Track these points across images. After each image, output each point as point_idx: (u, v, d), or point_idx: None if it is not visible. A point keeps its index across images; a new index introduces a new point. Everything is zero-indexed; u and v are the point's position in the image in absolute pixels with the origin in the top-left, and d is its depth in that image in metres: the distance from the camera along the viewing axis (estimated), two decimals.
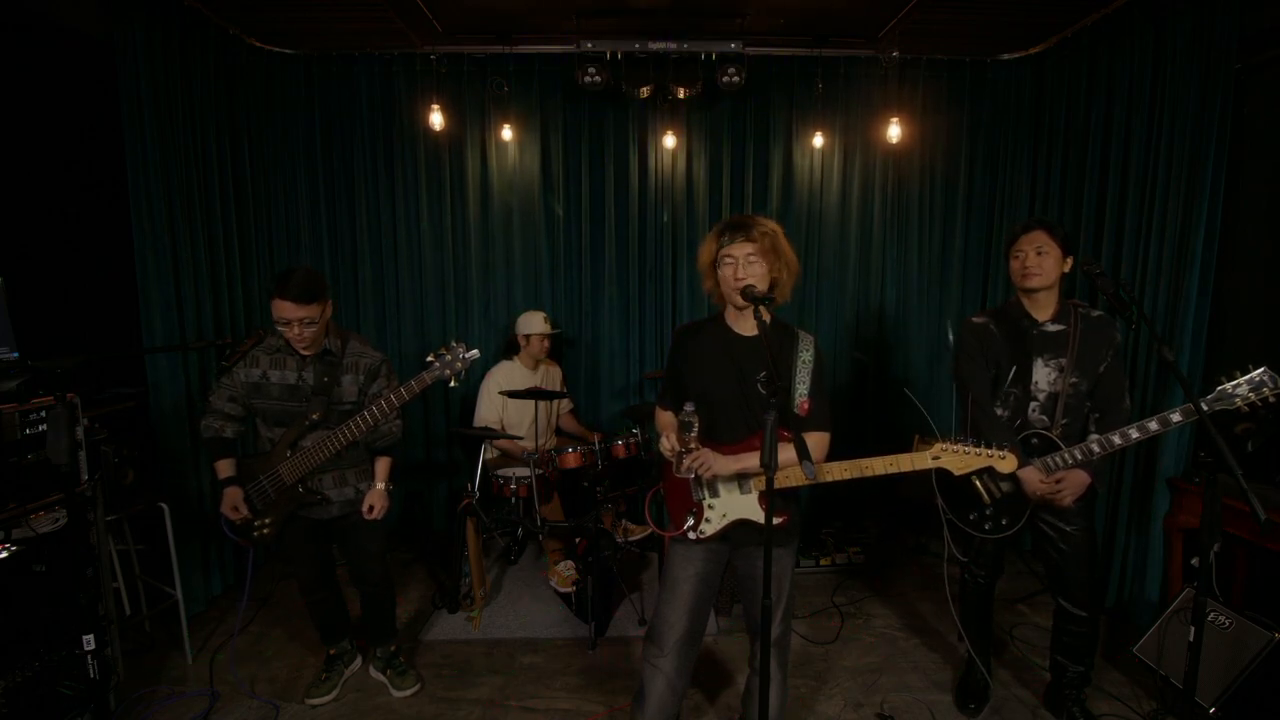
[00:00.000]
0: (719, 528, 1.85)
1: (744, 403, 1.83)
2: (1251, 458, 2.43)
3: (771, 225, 1.80)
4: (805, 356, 1.82)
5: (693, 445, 1.70)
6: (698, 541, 1.88)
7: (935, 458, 1.73)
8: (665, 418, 2.00)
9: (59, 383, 1.90)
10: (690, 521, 1.87)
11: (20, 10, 2.81)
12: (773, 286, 1.80)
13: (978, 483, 2.25)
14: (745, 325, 1.86)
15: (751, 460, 1.77)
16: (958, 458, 1.72)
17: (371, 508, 2.42)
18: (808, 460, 1.47)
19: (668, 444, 1.76)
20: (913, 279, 4.11)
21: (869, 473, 1.76)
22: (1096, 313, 2.21)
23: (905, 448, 1.79)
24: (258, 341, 2.32)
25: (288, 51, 3.78)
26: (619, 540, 3.37)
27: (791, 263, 1.82)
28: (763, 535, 1.77)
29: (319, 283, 2.21)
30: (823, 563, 3.66)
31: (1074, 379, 2.17)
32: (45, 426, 2.28)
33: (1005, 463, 1.72)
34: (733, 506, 1.85)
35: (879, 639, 3.02)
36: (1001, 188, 3.97)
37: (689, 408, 1.67)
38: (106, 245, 3.10)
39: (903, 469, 1.75)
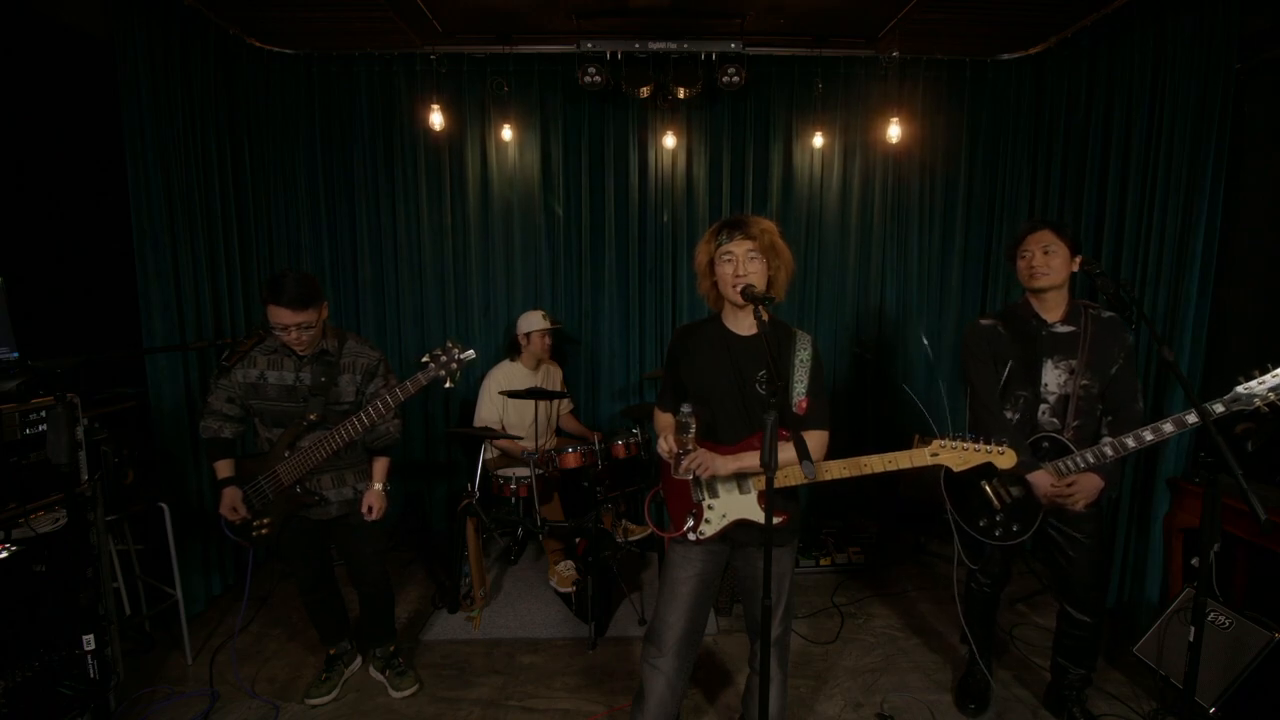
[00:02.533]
0: (719, 528, 1.86)
1: (743, 403, 1.83)
2: (1251, 458, 2.42)
3: (768, 223, 1.80)
4: (803, 356, 1.82)
5: (690, 446, 1.70)
6: (697, 542, 1.88)
7: (934, 454, 1.72)
8: (664, 419, 2.00)
9: (59, 383, 1.90)
10: (690, 523, 1.88)
11: (21, 10, 2.81)
12: (770, 285, 1.80)
13: (987, 488, 2.22)
14: (743, 325, 1.86)
15: (750, 460, 1.77)
16: (956, 454, 1.72)
17: (370, 509, 2.42)
18: (808, 460, 1.47)
19: (665, 445, 1.76)
20: (913, 279, 4.11)
21: (868, 470, 1.76)
22: (1108, 314, 2.18)
23: (905, 446, 1.79)
24: (258, 341, 2.32)
25: (288, 51, 3.78)
26: (619, 540, 3.37)
27: (788, 261, 1.82)
28: (763, 535, 1.77)
29: (313, 286, 2.19)
30: (823, 563, 3.66)
31: (1085, 381, 2.13)
32: (45, 426, 2.28)
33: (1004, 458, 1.71)
34: (732, 507, 1.85)
35: (879, 639, 3.02)
36: (1001, 188, 3.97)
37: (686, 408, 1.67)
38: (106, 245, 3.10)
39: (901, 466, 1.75)
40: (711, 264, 1.83)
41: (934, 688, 2.65)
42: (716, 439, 1.85)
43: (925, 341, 4.03)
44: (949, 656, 2.86)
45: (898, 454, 1.75)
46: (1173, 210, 2.84)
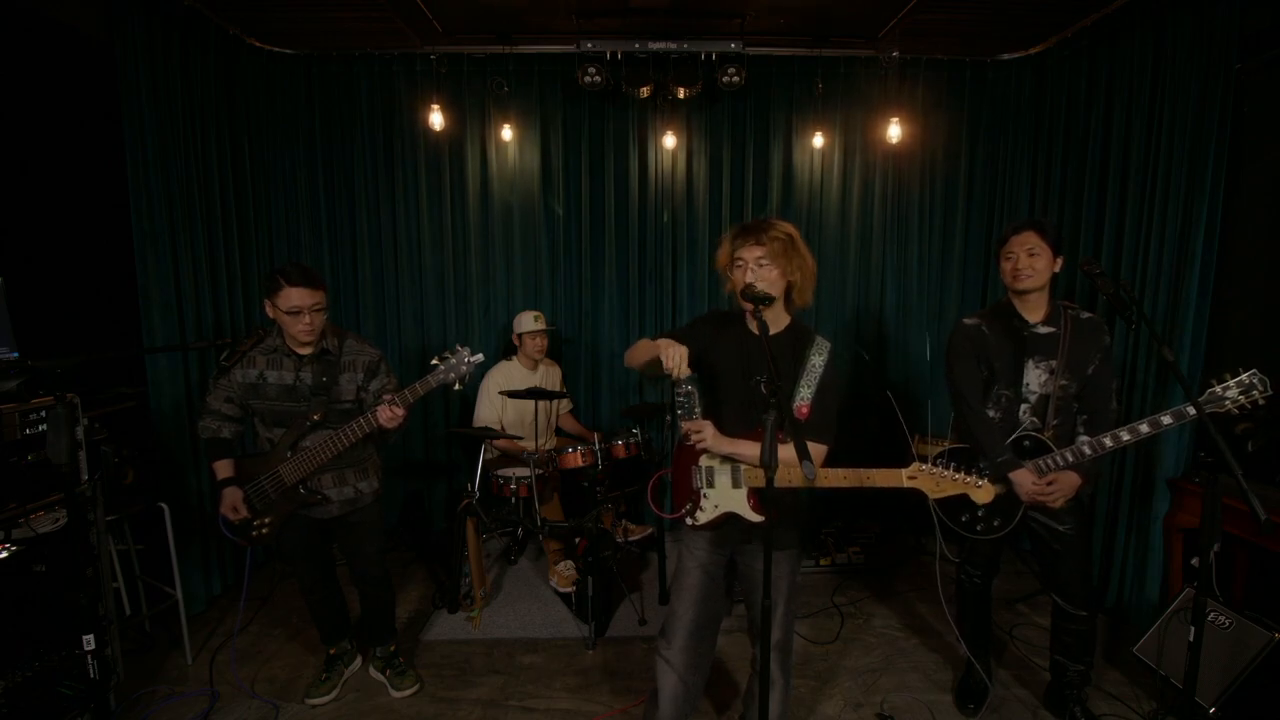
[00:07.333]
0: (711, 517, 1.89)
1: (747, 401, 1.84)
2: (1252, 458, 2.43)
3: (786, 229, 1.79)
4: (815, 360, 1.81)
5: (696, 422, 1.75)
6: (696, 531, 1.92)
7: (911, 478, 1.68)
8: (648, 344, 1.85)
9: (59, 383, 1.91)
10: (688, 507, 1.92)
11: (20, 10, 2.81)
12: (790, 290, 1.82)
13: None
14: (757, 325, 1.86)
15: (745, 448, 1.78)
16: (933, 480, 1.67)
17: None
18: (808, 461, 1.47)
19: (669, 361, 1.67)
20: (913, 279, 4.11)
21: (846, 484, 1.72)
22: (1086, 315, 2.22)
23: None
24: (258, 341, 2.32)
25: (288, 51, 3.78)
26: (619, 540, 3.37)
27: (807, 266, 1.82)
28: (752, 533, 1.77)
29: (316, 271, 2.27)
30: (823, 563, 3.66)
31: (1064, 381, 2.17)
32: (45, 426, 2.28)
33: (980, 492, 1.65)
34: (724, 499, 1.87)
35: (879, 639, 3.02)
36: (1001, 188, 3.97)
37: (685, 387, 1.69)
38: (106, 245, 3.09)
39: (876, 484, 1.71)
40: (729, 267, 1.84)
41: (934, 688, 2.65)
42: (719, 428, 1.87)
43: (928, 339, 4.02)
44: (949, 656, 2.86)
45: (874, 471, 1.71)
46: (1173, 210, 2.84)
